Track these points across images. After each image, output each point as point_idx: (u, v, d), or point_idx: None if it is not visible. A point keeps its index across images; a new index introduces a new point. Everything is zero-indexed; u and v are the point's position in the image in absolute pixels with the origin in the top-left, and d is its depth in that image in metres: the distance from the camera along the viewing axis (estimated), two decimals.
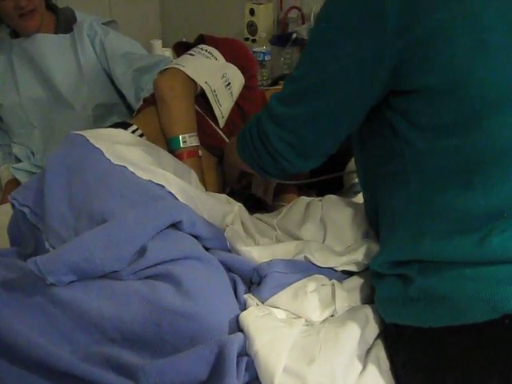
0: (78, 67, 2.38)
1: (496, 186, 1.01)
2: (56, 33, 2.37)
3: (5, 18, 2.24)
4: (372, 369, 1.09)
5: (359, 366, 1.09)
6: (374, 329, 1.15)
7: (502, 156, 1.01)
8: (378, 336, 1.16)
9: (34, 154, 2.41)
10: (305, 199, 1.49)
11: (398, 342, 1.10)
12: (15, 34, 2.35)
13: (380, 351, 1.13)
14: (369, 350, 1.13)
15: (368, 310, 1.18)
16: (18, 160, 2.43)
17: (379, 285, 1.16)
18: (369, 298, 1.24)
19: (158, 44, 3.05)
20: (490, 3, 0.97)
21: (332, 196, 1.48)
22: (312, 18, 2.88)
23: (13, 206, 1.38)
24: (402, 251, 1.09)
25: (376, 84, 1.07)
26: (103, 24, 2.52)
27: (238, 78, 1.84)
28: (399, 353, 1.10)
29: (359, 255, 1.27)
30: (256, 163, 1.32)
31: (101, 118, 2.42)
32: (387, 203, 1.19)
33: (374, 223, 1.32)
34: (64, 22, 2.40)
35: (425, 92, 1.03)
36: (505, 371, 0.94)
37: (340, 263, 1.27)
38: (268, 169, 1.31)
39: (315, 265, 1.26)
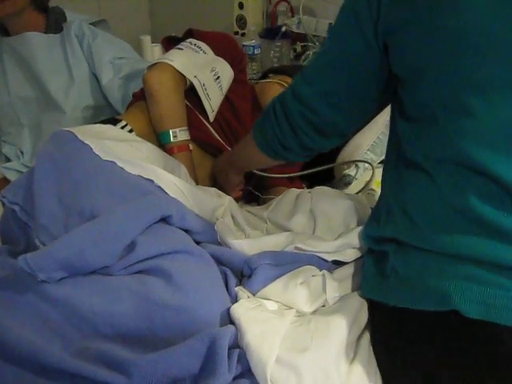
0: (68, 68, 2.35)
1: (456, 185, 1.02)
2: (46, 32, 2.33)
3: None
4: (363, 354, 1.10)
5: (351, 353, 1.10)
6: (365, 314, 1.16)
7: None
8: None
9: (23, 154, 2.37)
10: (294, 191, 1.49)
11: (372, 317, 1.15)
12: (5, 32, 2.31)
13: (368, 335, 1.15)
14: (360, 336, 1.14)
15: (359, 298, 1.19)
16: (8, 159, 2.39)
17: (367, 260, 1.19)
18: (360, 286, 1.24)
19: (147, 39, 3.04)
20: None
21: (322, 187, 1.49)
22: (301, 11, 2.87)
23: (3, 203, 1.38)
24: (384, 227, 1.13)
25: (380, 61, 1.11)
26: (93, 24, 2.50)
27: (227, 72, 1.84)
28: (373, 329, 1.14)
29: (351, 238, 1.27)
30: (276, 137, 1.32)
31: (91, 119, 2.38)
32: (385, 183, 1.22)
33: None
34: (54, 22, 2.36)
35: (401, 79, 1.08)
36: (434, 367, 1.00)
37: (332, 248, 1.27)
38: (288, 144, 1.31)
39: (306, 253, 1.27)
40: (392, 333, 1.07)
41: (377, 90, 1.17)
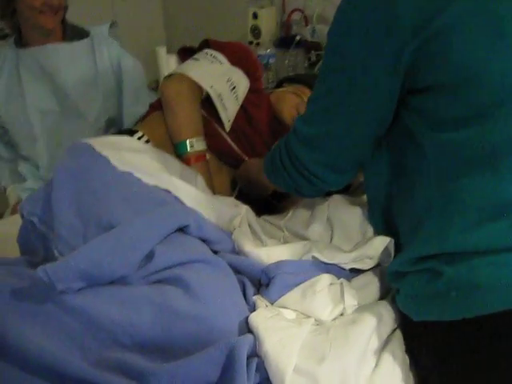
0: (95, 75, 2.35)
1: None
2: (64, 40, 2.33)
3: (24, 12, 2.17)
4: (386, 366, 1.09)
5: (372, 363, 1.09)
6: (387, 325, 1.15)
7: None
8: (393, 332, 1.16)
9: (38, 168, 2.38)
10: (311, 199, 1.49)
11: (425, 339, 1.09)
12: (21, 43, 2.30)
13: (396, 348, 1.13)
14: (383, 347, 1.13)
15: (380, 307, 1.18)
16: (24, 179, 2.40)
17: (402, 284, 1.14)
18: (378, 296, 1.24)
19: (162, 50, 3.05)
20: None
21: (338, 195, 1.48)
22: (315, 20, 2.88)
23: (22, 215, 1.39)
24: (428, 245, 1.08)
25: (396, 86, 1.08)
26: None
27: (242, 82, 1.85)
28: (427, 352, 1.09)
29: (368, 249, 1.26)
30: (291, 187, 1.33)
31: (113, 129, 2.41)
32: (408, 204, 1.18)
33: (381, 228, 1.32)
34: (71, 30, 2.36)
35: (443, 87, 1.03)
36: None
37: (349, 259, 1.27)
38: (303, 191, 1.32)
39: (323, 262, 1.26)
40: (466, 346, 1.02)
41: (390, 114, 1.14)
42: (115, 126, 2.45)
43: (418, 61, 1.03)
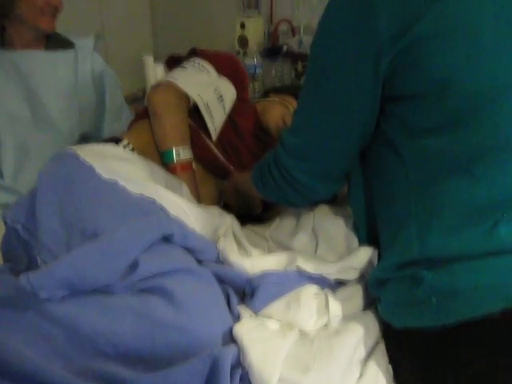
0: (74, 88, 2.31)
1: (498, 176, 1.02)
2: (46, 49, 2.28)
3: (25, 12, 2.12)
4: (370, 376, 1.09)
5: (356, 374, 1.09)
6: (372, 336, 1.15)
7: (501, 146, 1.02)
8: (378, 342, 1.16)
9: (2, 174, 2.22)
10: (297, 209, 1.49)
11: (406, 346, 1.09)
12: (1, 45, 2.23)
13: (380, 358, 1.13)
14: (367, 358, 1.13)
15: (364, 318, 1.19)
16: None
17: (383, 291, 1.14)
18: (363, 307, 1.24)
19: (149, 59, 3.05)
20: (476, 5, 0.99)
21: (324, 206, 1.49)
22: (302, 31, 2.90)
23: (5, 223, 1.38)
24: (408, 251, 1.08)
25: (378, 92, 1.09)
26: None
27: (230, 91, 1.85)
28: (408, 359, 1.09)
29: (352, 261, 1.27)
30: (282, 199, 1.34)
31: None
32: (388, 211, 1.19)
33: (365, 239, 1.33)
34: (54, 38, 2.32)
35: (419, 95, 1.05)
36: None
37: (333, 270, 1.27)
38: (293, 201, 1.33)
39: (308, 273, 1.26)
40: (447, 353, 1.02)
41: (372, 121, 1.15)
42: (91, 142, 2.41)
43: (394, 70, 1.05)
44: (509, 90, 1.01)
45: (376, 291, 1.17)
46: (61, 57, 2.31)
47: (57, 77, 2.28)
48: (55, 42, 2.32)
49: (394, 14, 1.00)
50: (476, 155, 1.03)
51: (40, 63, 2.25)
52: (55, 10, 2.15)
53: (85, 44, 2.42)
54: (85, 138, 2.38)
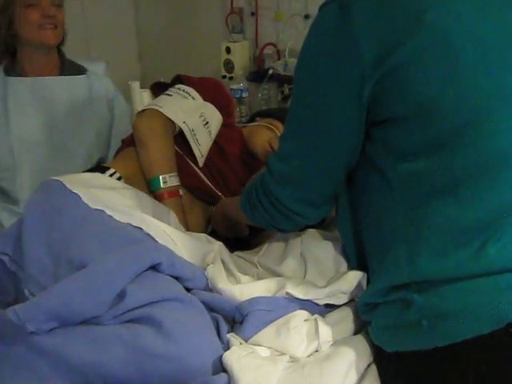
0: (89, 113, 2.34)
1: (484, 197, 1.02)
2: (62, 74, 2.32)
3: (24, 27, 2.14)
4: None
5: None
6: (363, 360, 1.14)
7: (486, 167, 1.02)
8: (369, 367, 1.16)
9: (18, 202, 2.24)
10: (284, 234, 1.49)
11: (399, 370, 1.09)
12: (13, 72, 2.26)
13: (372, 382, 1.13)
14: (359, 382, 1.12)
15: (355, 342, 1.18)
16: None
17: (374, 316, 1.14)
18: (353, 330, 1.24)
19: (136, 85, 3.05)
20: (457, 29, 1.01)
21: (312, 230, 1.49)
22: (287, 54, 2.91)
23: None
24: (397, 275, 1.08)
25: (362, 116, 1.10)
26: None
27: (215, 117, 1.85)
28: (400, 382, 1.09)
29: (341, 285, 1.27)
30: (270, 224, 1.33)
31: None
32: (376, 234, 1.19)
33: (355, 262, 1.33)
34: (69, 64, 2.36)
35: (402, 119, 1.06)
36: None
37: (323, 294, 1.26)
38: (282, 227, 1.33)
39: (297, 298, 1.26)
40: (439, 376, 1.02)
41: (359, 144, 1.15)
42: None
43: (377, 94, 1.05)
44: (490, 112, 1.02)
45: (366, 315, 1.17)
46: (76, 82, 2.34)
47: (73, 102, 2.30)
48: (69, 68, 2.36)
49: (374, 41, 1.01)
50: (461, 177, 1.03)
51: (58, 88, 2.29)
52: (55, 24, 2.16)
53: (96, 69, 2.45)
54: (102, 163, 2.38)
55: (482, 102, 1.02)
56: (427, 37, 1.00)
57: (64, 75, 2.32)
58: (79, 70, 2.39)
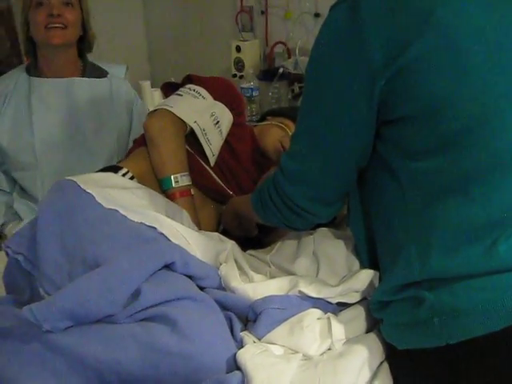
0: (111, 115, 2.35)
1: (494, 195, 1.03)
2: (84, 76, 2.33)
3: (34, 28, 2.16)
4: None
5: None
6: (376, 358, 1.15)
7: (496, 166, 1.03)
8: (382, 364, 1.16)
9: (37, 201, 2.24)
10: (297, 233, 1.49)
11: (411, 368, 1.10)
12: (36, 72, 2.28)
13: (385, 379, 1.13)
14: (372, 379, 1.13)
15: (368, 340, 1.18)
16: (18, 216, 2.27)
17: (385, 314, 1.15)
18: (366, 328, 1.24)
19: (146, 85, 3.08)
20: (465, 28, 1.01)
21: (324, 229, 1.49)
22: (297, 52, 2.92)
23: (7, 253, 1.38)
24: (409, 273, 1.08)
25: (373, 114, 1.10)
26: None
27: (226, 116, 1.86)
28: (412, 379, 1.10)
29: (354, 283, 1.27)
30: (282, 222, 1.34)
31: None
32: (387, 233, 1.20)
33: (367, 261, 1.33)
34: (91, 67, 2.38)
35: (413, 118, 1.06)
36: None
37: (335, 293, 1.27)
38: (295, 225, 1.34)
39: (310, 297, 1.26)
40: (455, 373, 1.02)
41: (370, 143, 1.16)
42: None
43: (387, 93, 1.06)
44: (499, 111, 1.02)
45: (378, 314, 1.17)
46: (98, 85, 2.36)
47: (95, 104, 2.32)
48: (91, 70, 2.38)
49: (384, 41, 1.02)
50: (471, 175, 1.04)
51: (80, 90, 2.30)
52: (63, 23, 2.16)
53: (117, 72, 2.46)
54: None
55: (491, 101, 1.02)
56: (435, 37, 1.01)
57: (86, 77, 2.34)
58: (101, 73, 2.41)
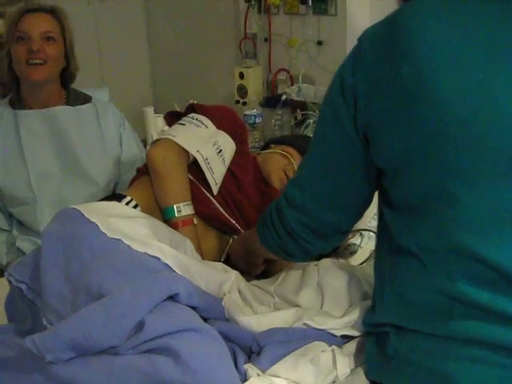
0: (102, 140, 2.34)
1: (442, 270, 1.03)
2: (68, 104, 2.32)
3: (15, 63, 2.16)
4: None
5: None
6: None
7: (450, 244, 1.02)
8: None
9: (39, 234, 2.08)
10: (301, 264, 1.49)
11: None
12: (19, 105, 2.27)
13: None
14: None
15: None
16: (22, 253, 2.22)
17: (366, 342, 1.19)
18: None
19: (150, 111, 3.07)
20: (431, 86, 0.98)
21: (327, 260, 1.49)
22: (300, 80, 2.93)
23: (9, 282, 1.38)
24: (383, 314, 1.13)
25: (364, 155, 1.12)
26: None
27: (229, 145, 1.86)
28: None
29: (357, 314, 1.27)
30: (281, 249, 1.34)
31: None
32: (377, 268, 1.22)
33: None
34: (73, 94, 2.37)
35: (387, 171, 1.09)
36: None
37: (340, 324, 1.27)
38: (292, 253, 1.33)
39: (315, 329, 1.26)
40: None
41: (368, 184, 1.18)
42: None
43: (367, 139, 1.10)
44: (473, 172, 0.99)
45: (365, 342, 1.21)
46: (83, 111, 2.35)
47: (84, 130, 2.32)
48: (75, 98, 2.37)
49: (366, 101, 1.05)
50: (427, 246, 1.05)
51: (67, 118, 2.29)
52: (43, 59, 2.15)
53: (100, 96, 2.46)
54: (116, 190, 2.41)
55: (466, 160, 0.98)
56: (394, 98, 1.01)
57: (70, 105, 2.33)
58: (85, 99, 2.40)
